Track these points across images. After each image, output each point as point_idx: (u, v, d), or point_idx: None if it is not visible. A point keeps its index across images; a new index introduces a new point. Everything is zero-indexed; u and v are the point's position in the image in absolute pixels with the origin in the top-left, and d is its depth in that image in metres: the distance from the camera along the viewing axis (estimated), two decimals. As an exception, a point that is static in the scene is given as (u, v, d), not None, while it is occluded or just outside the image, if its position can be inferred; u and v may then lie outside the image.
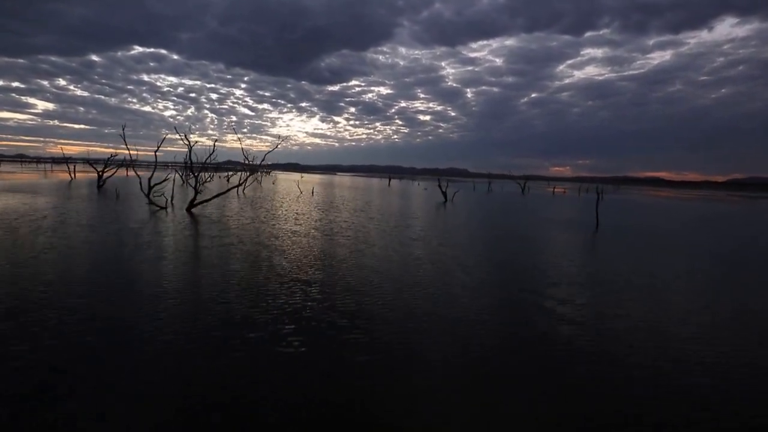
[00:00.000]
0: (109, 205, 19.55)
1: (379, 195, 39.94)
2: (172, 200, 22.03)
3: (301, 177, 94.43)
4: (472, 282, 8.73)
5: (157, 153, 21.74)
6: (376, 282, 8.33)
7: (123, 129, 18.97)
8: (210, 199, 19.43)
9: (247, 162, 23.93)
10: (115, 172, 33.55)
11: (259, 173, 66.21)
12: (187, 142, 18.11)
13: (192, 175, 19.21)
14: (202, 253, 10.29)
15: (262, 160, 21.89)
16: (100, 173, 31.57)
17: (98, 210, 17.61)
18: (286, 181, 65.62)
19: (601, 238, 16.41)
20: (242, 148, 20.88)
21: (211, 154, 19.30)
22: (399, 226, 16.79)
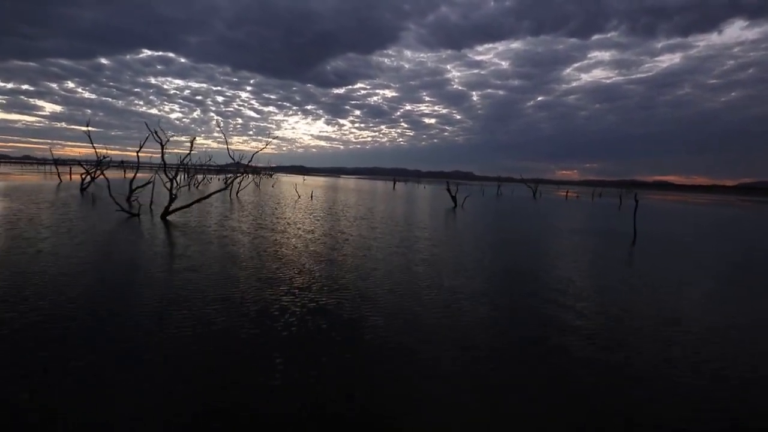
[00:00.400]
0: (76, 211, 17.14)
1: (383, 199, 37.38)
2: (151, 205, 19.66)
3: (303, 180, 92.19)
4: (512, 336, 6.11)
5: (138, 153, 19.39)
6: (378, 329, 5.75)
7: (87, 125, 16.54)
8: (189, 205, 16.97)
9: (233, 162, 21.62)
10: (99, 174, 31.29)
11: (257, 175, 63.94)
12: (158, 140, 15.68)
13: (168, 178, 16.73)
14: (150, 287, 7.75)
15: (249, 161, 19.45)
16: (82, 176, 29.36)
17: (59, 217, 15.18)
18: (288, 183, 63.27)
19: (649, 252, 13.70)
20: (228, 149, 18.47)
21: (188, 154, 16.81)
22: (406, 240, 14.20)
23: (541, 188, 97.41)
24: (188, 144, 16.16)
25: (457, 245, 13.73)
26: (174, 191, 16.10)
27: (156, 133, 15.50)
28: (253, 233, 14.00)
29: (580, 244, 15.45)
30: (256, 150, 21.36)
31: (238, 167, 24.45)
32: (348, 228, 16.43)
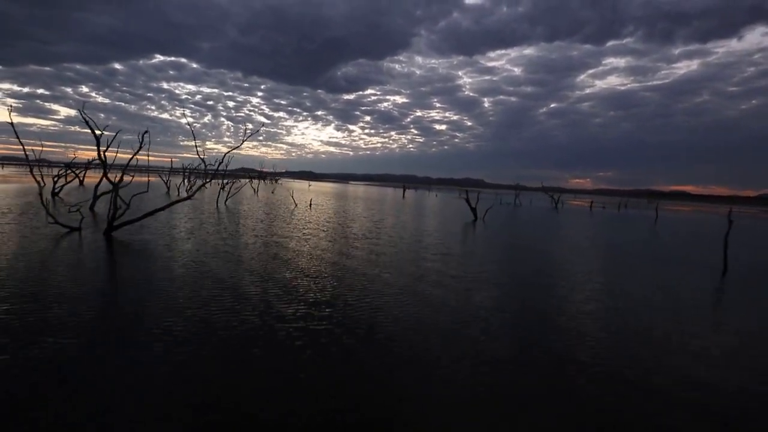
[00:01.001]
0: (7, 222, 13.47)
1: (392, 209, 33.36)
2: (108, 216, 16.00)
3: (309, 186, 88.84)
4: None
5: (106, 153, 15.72)
6: None
7: (9, 113, 12.92)
8: (138, 219, 13.22)
9: (207, 166, 18.02)
10: (76, 177, 28.06)
11: (257, 180, 60.56)
12: (94, 134, 11.93)
13: (112, 183, 12.95)
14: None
15: (221, 162, 15.81)
16: (54, 179, 26.11)
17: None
18: (291, 189, 59.64)
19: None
20: (197, 151, 14.87)
21: (137, 152, 12.98)
22: (425, 275, 10.18)
23: (557, 197, 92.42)
24: (199, 149, 12.53)
25: (498, 280, 9.66)
26: (125, 201, 12.33)
27: (87, 122, 11.73)
28: (217, 260, 10.11)
29: (671, 279, 11.29)
30: (231, 149, 17.65)
31: (225, 172, 20.77)
32: (345, 252, 12.45)
